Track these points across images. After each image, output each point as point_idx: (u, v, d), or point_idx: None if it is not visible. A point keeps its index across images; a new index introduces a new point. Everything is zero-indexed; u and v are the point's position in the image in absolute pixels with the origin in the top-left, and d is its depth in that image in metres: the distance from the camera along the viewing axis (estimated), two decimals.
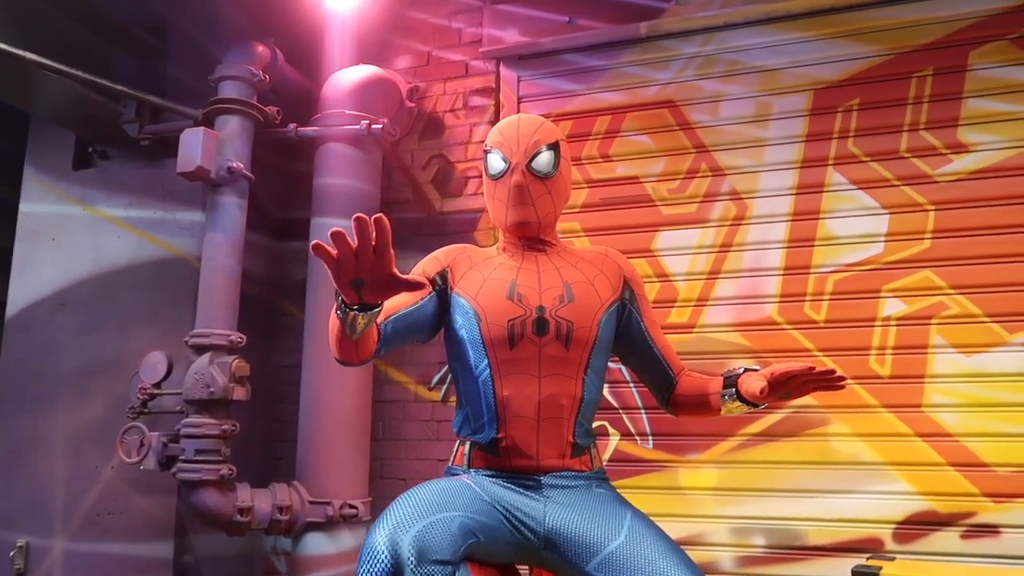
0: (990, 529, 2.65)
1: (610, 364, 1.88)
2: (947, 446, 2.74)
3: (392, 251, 1.22)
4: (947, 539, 2.69)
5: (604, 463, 1.76)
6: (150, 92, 3.14)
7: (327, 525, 3.01)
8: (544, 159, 1.74)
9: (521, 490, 1.61)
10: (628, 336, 1.82)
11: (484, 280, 1.72)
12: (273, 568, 3.50)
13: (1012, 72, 2.90)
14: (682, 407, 1.83)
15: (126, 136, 3.24)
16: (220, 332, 2.90)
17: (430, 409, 3.42)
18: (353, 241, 1.19)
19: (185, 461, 2.80)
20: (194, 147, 2.85)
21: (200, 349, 2.89)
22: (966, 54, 2.96)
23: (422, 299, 1.69)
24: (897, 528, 2.75)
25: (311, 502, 3.03)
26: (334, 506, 3.00)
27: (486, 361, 1.65)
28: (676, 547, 1.52)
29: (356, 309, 1.32)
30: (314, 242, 1.20)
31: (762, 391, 1.52)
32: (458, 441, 1.74)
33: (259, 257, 3.51)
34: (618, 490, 1.75)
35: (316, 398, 3.15)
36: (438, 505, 1.43)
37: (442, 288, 1.74)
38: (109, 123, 3.23)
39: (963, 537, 2.68)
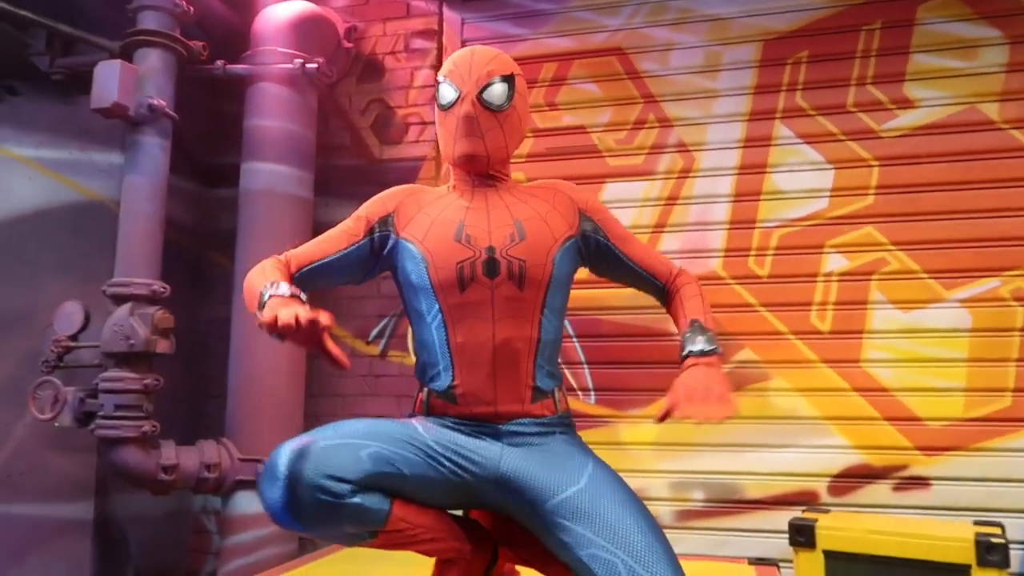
0: (921, 481, 2.71)
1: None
2: (882, 401, 2.77)
3: (326, 336, 1.37)
4: (880, 491, 2.74)
5: (569, 406, 1.69)
6: (61, 21, 2.88)
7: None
8: (496, 91, 1.65)
9: (478, 434, 1.57)
10: (607, 264, 1.76)
11: (431, 223, 1.65)
12: (203, 527, 3.38)
13: (959, 28, 2.89)
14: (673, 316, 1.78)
15: (36, 70, 2.98)
16: (141, 281, 2.73)
17: (368, 364, 3.30)
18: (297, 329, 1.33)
19: (104, 417, 2.64)
20: (110, 81, 2.63)
21: (119, 299, 2.71)
22: (914, 8, 2.93)
23: (349, 246, 1.66)
24: (832, 481, 2.78)
25: (241, 459, 2.91)
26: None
27: (437, 307, 1.60)
28: (636, 499, 1.48)
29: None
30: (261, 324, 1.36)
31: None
32: (418, 388, 1.68)
33: (185, 203, 3.31)
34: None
35: (246, 352, 3.01)
36: (355, 434, 1.42)
37: (384, 234, 1.68)
38: (16, 55, 2.96)
39: (895, 489, 2.72)
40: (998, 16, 2.84)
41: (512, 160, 1.76)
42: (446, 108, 1.67)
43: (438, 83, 1.68)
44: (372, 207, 1.72)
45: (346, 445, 1.38)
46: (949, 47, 2.88)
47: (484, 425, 1.57)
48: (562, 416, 1.65)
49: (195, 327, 3.37)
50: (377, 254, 1.68)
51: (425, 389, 1.64)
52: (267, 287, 1.46)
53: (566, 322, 3.00)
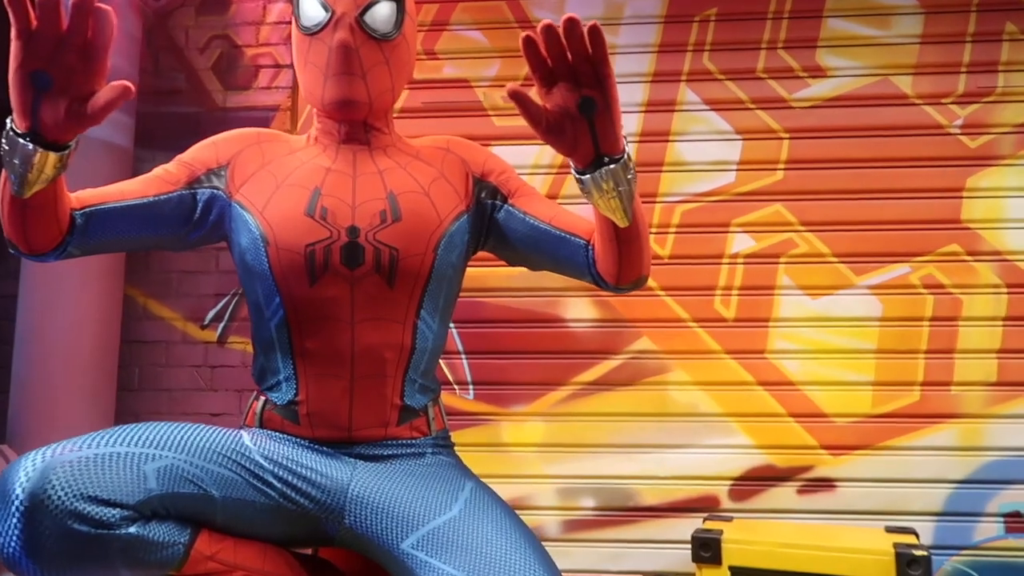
0: (826, 483, 2.53)
1: None
2: (788, 395, 2.57)
3: (108, 63, 0.93)
4: (784, 495, 2.54)
5: (446, 422, 1.32)
6: None
7: None
8: (383, 11, 1.22)
9: (325, 450, 1.21)
10: (509, 237, 1.33)
11: (277, 187, 1.23)
12: None
13: None
14: (603, 264, 1.21)
15: None
16: None
17: (202, 352, 2.79)
18: (65, 17, 0.89)
19: None
20: None
21: None
22: None
23: (160, 194, 1.22)
24: (733, 485, 2.55)
25: None
26: None
27: (278, 299, 1.21)
28: (523, 527, 1.15)
29: (27, 138, 0.95)
30: None
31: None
32: (254, 394, 1.28)
33: None
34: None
35: (37, 336, 2.42)
36: (140, 440, 1.06)
37: (212, 192, 1.25)
38: None
39: (800, 492, 2.54)
40: None
41: None
42: (312, 32, 1.22)
43: None
44: (199, 152, 1.28)
45: (122, 456, 1.02)
46: (863, 13, 2.70)
47: (333, 446, 1.21)
48: (436, 437, 1.29)
49: None
50: (202, 216, 1.25)
51: (262, 398, 1.25)
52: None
53: None
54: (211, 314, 2.78)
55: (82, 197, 1.16)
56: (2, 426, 2.47)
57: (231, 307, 2.77)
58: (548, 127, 1.01)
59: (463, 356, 2.68)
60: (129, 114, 2.64)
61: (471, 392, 2.67)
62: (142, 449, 1.04)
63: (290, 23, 1.23)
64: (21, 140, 0.95)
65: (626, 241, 1.14)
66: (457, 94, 2.79)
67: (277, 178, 1.24)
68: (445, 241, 1.25)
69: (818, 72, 2.68)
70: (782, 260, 2.61)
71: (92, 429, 2.43)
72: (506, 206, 1.31)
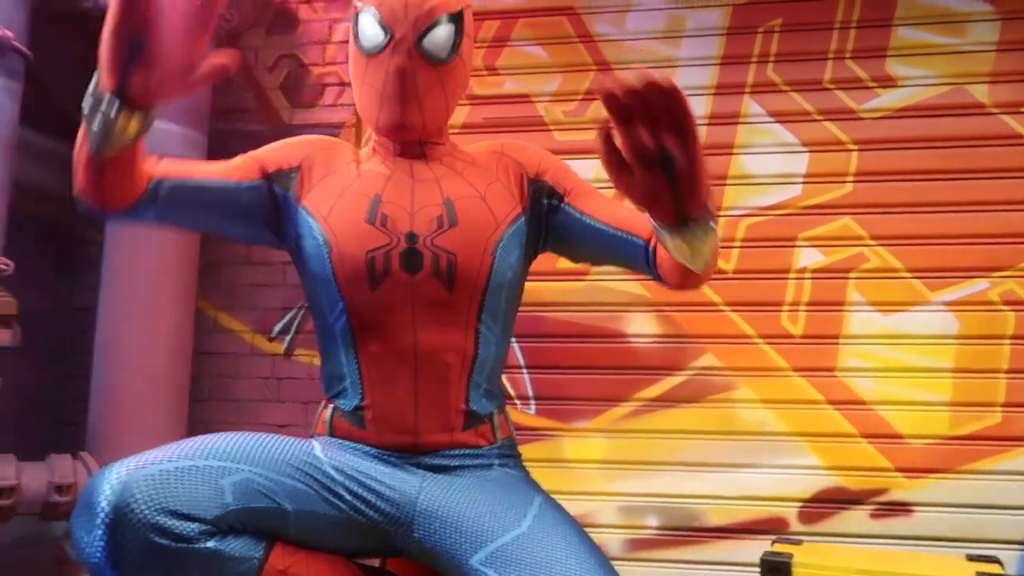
0: (902, 508, 2.43)
1: None
2: (860, 415, 2.48)
3: (209, 36, 0.90)
4: (856, 519, 2.45)
5: (513, 431, 1.32)
6: None
7: None
8: (442, 35, 1.22)
9: (394, 460, 1.21)
10: (574, 236, 1.31)
11: (340, 194, 1.25)
12: (67, 557, 2.83)
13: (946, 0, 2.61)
14: (668, 275, 1.18)
15: None
16: None
17: (270, 364, 2.85)
18: None
19: None
20: None
21: None
22: None
23: (241, 179, 1.24)
24: (803, 507, 2.47)
25: None
26: None
27: (341, 304, 1.22)
28: (591, 545, 1.13)
29: (112, 99, 0.94)
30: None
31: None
32: (322, 403, 1.29)
33: (48, 166, 2.76)
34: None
35: (115, 347, 2.51)
36: (218, 453, 1.07)
37: (282, 192, 1.26)
38: None
39: (873, 516, 2.44)
40: None
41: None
42: (370, 53, 1.23)
43: (356, 12, 1.25)
44: (272, 153, 1.28)
45: (200, 469, 1.03)
46: (935, 21, 2.62)
47: (401, 456, 1.21)
48: (502, 445, 1.28)
49: (58, 316, 2.86)
50: (274, 211, 1.26)
51: (331, 405, 1.26)
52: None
53: None
54: (278, 327, 2.81)
55: (166, 167, 1.18)
56: (82, 434, 2.56)
57: (297, 320, 2.81)
58: (620, 170, 0.87)
59: (524, 371, 2.68)
60: (202, 132, 2.73)
61: (532, 407, 2.66)
62: (219, 462, 1.06)
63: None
64: (105, 100, 0.94)
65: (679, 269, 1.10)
66: (518, 109, 2.80)
67: (340, 185, 1.25)
68: (502, 245, 1.25)
69: (888, 82, 2.61)
70: (852, 275, 2.54)
71: (166, 438, 2.51)
72: (562, 205, 1.29)
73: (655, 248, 1.18)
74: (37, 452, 2.43)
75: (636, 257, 1.22)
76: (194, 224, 1.28)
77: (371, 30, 1.22)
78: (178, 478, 1.01)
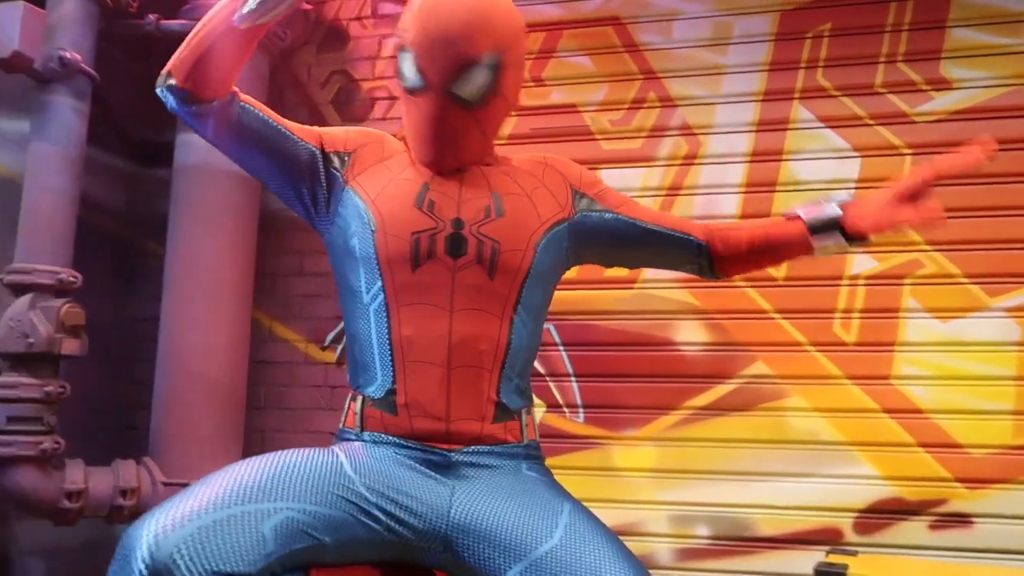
0: (962, 519, 2.35)
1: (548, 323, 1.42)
2: (917, 424, 2.42)
3: None
4: (914, 530, 2.38)
5: (538, 434, 1.35)
6: None
7: None
8: (476, 82, 1.23)
9: (423, 468, 1.21)
10: (617, 239, 1.40)
11: (390, 180, 1.30)
12: None
13: None
14: (736, 266, 1.43)
15: None
16: (46, 268, 2.29)
17: (323, 373, 2.90)
18: None
19: None
20: (9, 26, 2.20)
21: (18, 289, 2.27)
22: None
23: (301, 137, 1.32)
24: (858, 517, 2.41)
25: (165, 483, 2.47)
26: None
27: (379, 283, 1.25)
28: (624, 550, 1.16)
29: None
30: None
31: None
32: (350, 395, 1.30)
33: (113, 182, 2.89)
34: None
35: (175, 356, 2.58)
36: (253, 492, 1.07)
37: (333, 171, 1.32)
38: None
39: (932, 528, 2.37)
40: None
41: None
42: (409, 92, 1.28)
43: (400, 47, 1.28)
44: (333, 133, 1.36)
45: (238, 519, 1.04)
46: (992, 21, 2.55)
47: (431, 451, 1.22)
48: (529, 446, 1.30)
49: (122, 325, 2.95)
50: (315, 180, 1.32)
51: (360, 397, 1.26)
52: None
53: (551, 327, 2.65)
54: (330, 336, 2.87)
55: (248, 96, 1.29)
56: (145, 440, 2.64)
57: None
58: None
59: (573, 379, 2.68)
60: None
61: (581, 415, 2.65)
62: (255, 505, 1.06)
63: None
64: None
65: (787, 259, 1.43)
66: (565, 119, 2.81)
67: (391, 173, 1.30)
68: (545, 241, 1.30)
69: (943, 84, 2.55)
70: (907, 281, 2.48)
71: (224, 445, 2.59)
72: (611, 215, 1.38)
73: (711, 245, 1.39)
74: (103, 457, 2.53)
75: (687, 252, 1.40)
76: (242, 152, 1.31)
77: (408, 71, 1.26)
78: (217, 533, 1.01)
